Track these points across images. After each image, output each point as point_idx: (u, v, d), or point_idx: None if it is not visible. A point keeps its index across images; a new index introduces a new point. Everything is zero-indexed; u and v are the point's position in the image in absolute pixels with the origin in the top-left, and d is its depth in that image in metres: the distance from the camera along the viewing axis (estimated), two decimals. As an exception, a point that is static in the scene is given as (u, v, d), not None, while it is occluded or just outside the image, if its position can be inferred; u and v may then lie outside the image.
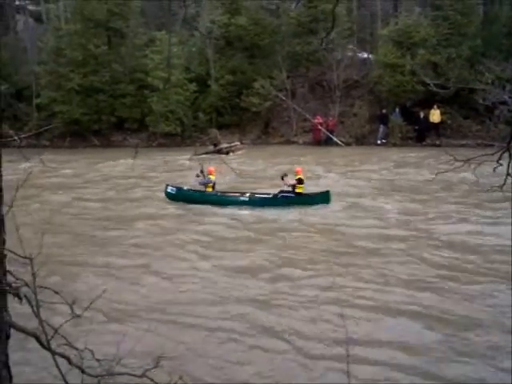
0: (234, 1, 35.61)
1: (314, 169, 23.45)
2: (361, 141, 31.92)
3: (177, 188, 18.17)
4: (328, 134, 31.95)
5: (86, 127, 35.98)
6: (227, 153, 29.38)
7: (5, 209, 3.36)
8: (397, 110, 31.41)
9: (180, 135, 34.48)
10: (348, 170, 23.43)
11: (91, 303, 4.37)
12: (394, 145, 30.41)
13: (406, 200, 17.65)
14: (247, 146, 31.79)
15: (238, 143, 31.68)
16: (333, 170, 23.31)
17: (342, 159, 26.52)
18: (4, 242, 3.35)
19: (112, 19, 36.92)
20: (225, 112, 35.17)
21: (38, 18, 45.51)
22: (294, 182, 17.14)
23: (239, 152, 29.93)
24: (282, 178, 17.12)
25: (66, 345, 4.10)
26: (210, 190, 17.94)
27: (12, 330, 3.62)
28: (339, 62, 33.55)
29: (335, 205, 16.94)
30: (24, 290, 3.77)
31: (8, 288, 3.47)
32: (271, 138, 34.53)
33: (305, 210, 16.45)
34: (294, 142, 33.19)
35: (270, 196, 17.48)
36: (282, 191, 17.23)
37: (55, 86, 36.29)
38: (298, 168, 17.83)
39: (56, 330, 3.80)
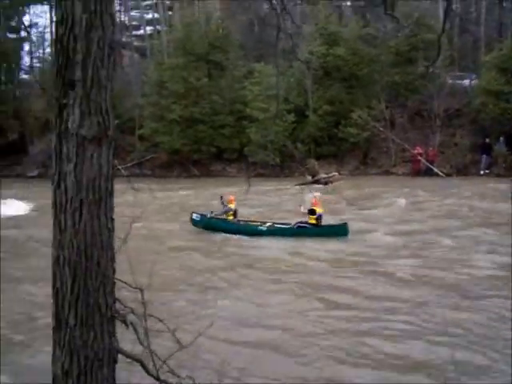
0: (333, 31, 35.79)
1: (393, 200, 23.00)
2: (462, 171, 30.97)
3: (201, 215, 18.57)
4: (428, 164, 31.31)
5: (187, 157, 36.98)
6: (325, 183, 29.29)
7: (116, 240, 3.49)
8: (501, 139, 30.34)
9: (278, 165, 34.73)
10: (422, 200, 22.95)
11: (199, 335, 4.42)
12: (498, 175, 29.25)
13: (460, 235, 16.65)
14: (345, 177, 31.54)
15: (336, 174, 31.50)
16: (406, 200, 22.70)
17: (429, 189, 25.60)
18: (114, 271, 3.47)
19: (212, 52, 38.11)
20: (323, 142, 35.15)
21: (142, 53, 47.66)
22: (304, 211, 17.24)
23: (337, 182, 29.76)
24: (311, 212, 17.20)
25: (168, 372, 4.16)
26: (230, 217, 18.23)
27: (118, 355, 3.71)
28: (440, 91, 32.83)
29: (367, 237, 16.85)
30: (130, 316, 3.88)
31: (117, 315, 3.57)
32: (370, 169, 34.15)
33: (335, 241, 16.36)
34: (392, 173, 32.68)
35: (288, 226, 17.59)
36: (299, 222, 17.34)
37: (157, 117, 37.61)
38: (313, 199, 17.93)
39: (164, 362, 3.87)
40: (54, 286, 3.43)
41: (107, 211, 3.34)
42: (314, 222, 17.07)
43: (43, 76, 47.99)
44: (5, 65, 49.26)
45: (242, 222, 18.36)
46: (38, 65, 53.59)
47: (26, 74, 53.99)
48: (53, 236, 3.38)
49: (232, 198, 18.64)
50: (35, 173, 43.36)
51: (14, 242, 17.72)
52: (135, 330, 3.99)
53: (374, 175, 32.67)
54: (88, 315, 3.37)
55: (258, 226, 17.93)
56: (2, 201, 25.56)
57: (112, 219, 3.40)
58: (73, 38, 3.20)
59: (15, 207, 23.66)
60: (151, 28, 51.33)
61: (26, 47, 53.33)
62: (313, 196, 18.86)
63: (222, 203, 18.34)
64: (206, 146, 36.53)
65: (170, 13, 49.75)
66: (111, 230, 3.40)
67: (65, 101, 3.22)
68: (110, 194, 3.35)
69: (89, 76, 3.20)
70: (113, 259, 3.44)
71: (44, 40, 53.17)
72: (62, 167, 3.24)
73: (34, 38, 53.22)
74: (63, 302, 3.38)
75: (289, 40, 6.51)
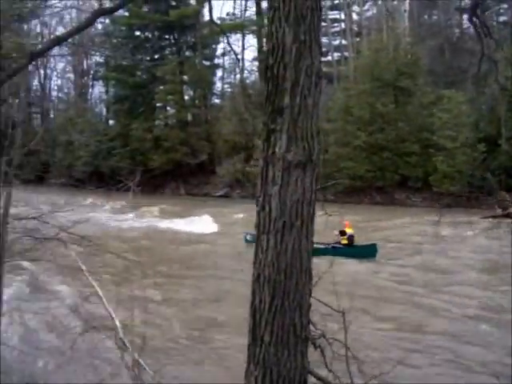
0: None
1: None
2: None
3: (251, 235, 19.66)
4: None
5: (370, 184, 36.70)
6: (516, 217, 27.47)
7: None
8: None
9: (465, 196, 33.24)
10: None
11: (396, 365, 4.36)
12: None
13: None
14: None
15: (529, 207, 29.45)
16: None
17: None
18: (310, 293, 3.54)
19: (400, 78, 37.65)
20: (515, 174, 33.13)
21: (329, 79, 48.32)
22: (336, 232, 18.79)
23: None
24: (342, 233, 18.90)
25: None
26: None
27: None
28: None
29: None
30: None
31: (310, 336, 3.63)
32: None
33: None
34: None
35: (324, 247, 18.50)
36: (335, 242, 18.86)
37: (342, 142, 37.79)
38: (346, 221, 19.27)
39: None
40: (252, 303, 3.57)
41: (308, 234, 3.43)
42: (345, 242, 18.83)
43: (233, 101, 50.59)
44: (199, 90, 52.59)
45: None
46: (228, 90, 56.52)
47: (217, 98, 57.25)
48: (254, 255, 3.53)
49: None
50: (222, 192, 45.56)
51: (205, 257, 18.84)
52: (322, 353, 4.03)
53: None
54: (283, 334, 3.46)
55: None
56: (192, 218, 27.23)
57: (312, 242, 3.48)
58: (283, 66, 3.36)
59: (204, 224, 24.92)
60: (339, 54, 51.98)
61: (219, 73, 56.63)
62: None
63: None
64: (390, 173, 36.05)
65: (358, 39, 50.01)
66: (310, 253, 3.48)
67: (273, 126, 3.37)
68: (311, 217, 3.44)
69: (296, 103, 3.34)
70: (310, 281, 3.51)
71: (236, 66, 56.13)
72: (267, 190, 3.38)
73: (227, 65, 56.40)
74: (260, 319, 3.50)
75: (482, 65, 6.22)
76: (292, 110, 3.34)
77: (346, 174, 36.94)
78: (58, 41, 5.41)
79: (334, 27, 54.80)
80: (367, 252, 18.18)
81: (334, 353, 4.02)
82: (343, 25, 51.81)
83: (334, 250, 18.23)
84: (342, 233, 18.74)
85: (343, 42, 51.50)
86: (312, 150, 3.38)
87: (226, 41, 52.35)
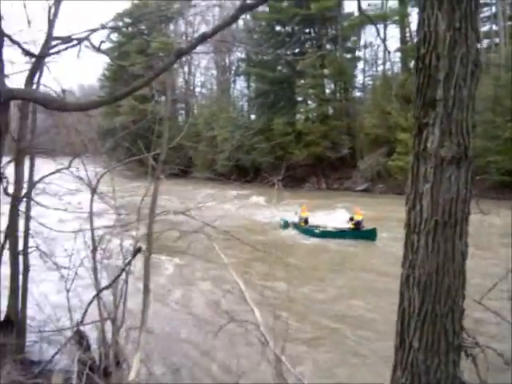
0: None
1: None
2: None
3: (284, 220, 24.48)
4: None
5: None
6: None
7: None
8: None
9: None
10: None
11: None
12: None
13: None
14: None
15: None
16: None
17: None
18: (463, 297, 3.31)
19: (558, 63, 35.03)
20: None
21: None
22: (347, 218, 22.66)
23: None
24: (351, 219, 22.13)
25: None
26: (302, 224, 23.69)
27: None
28: None
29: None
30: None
31: (463, 344, 3.41)
32: None
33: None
34: None
35: (334, 230, 22.52)
36: (348, 228, 22.02)
37: (490, 135, 35.81)
38: (357, 209, 22.77)
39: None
40: (400, 305, 3.41)
41: (462, 235, 3.20)
42: (352, 226, 21.78)
43: (375, 93, 49.67)
44: (340, 83, 52.22)
45: (310, 227, 23.38)
46: (370, 83, 55.56)
47: (358, 91, 56.50)
48: (403, 255, 3.37)
49: (304, 208, 24.39)
50: (363, 187, 44.89)
51: (340, 251, 18.60)
52: (475, 363, 3.77)
53: None
54: (434, 340, 3.27)
55: (314, 229, 23.02)
56: (330, 211, 27.20)
57: (466, 244, 3.24)
58: (435, 56, 3.15)
59: (342, 219, 24.67)
60: (488, 40, 49.20)
61: (360, 66, 55.77)
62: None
63: (296, 213, 24.18)
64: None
65: (510, 23, 46.90)
66: (464, 255, 3.25)
67: (425, 120, 3.17)
68: (466, 217, 3.20)
69: (451, 95, 3.11)
70: (463, 285, 3.29)
71: (377, 59, 55.05)
72: (418, 187, 3.20)
73: (368, 57, 55.45)
74: (409, 322, 3.34)
75: None
76: (446, 102, 3.12)
77: (495, 168, 34.97)
78: (204, 38, 5.51)
79: (483, 12, 51.82)
80: (368, 235, 20.75)
81: (488, 363, 3.75)
82: (494, 8, 48.74)
83: (341, 233, 21.82)
84: (351, 218, 22.03)
85: (494, 27, 48.52)
86: (467, 145, 3.14)
87: (364, 32, 51.64)
